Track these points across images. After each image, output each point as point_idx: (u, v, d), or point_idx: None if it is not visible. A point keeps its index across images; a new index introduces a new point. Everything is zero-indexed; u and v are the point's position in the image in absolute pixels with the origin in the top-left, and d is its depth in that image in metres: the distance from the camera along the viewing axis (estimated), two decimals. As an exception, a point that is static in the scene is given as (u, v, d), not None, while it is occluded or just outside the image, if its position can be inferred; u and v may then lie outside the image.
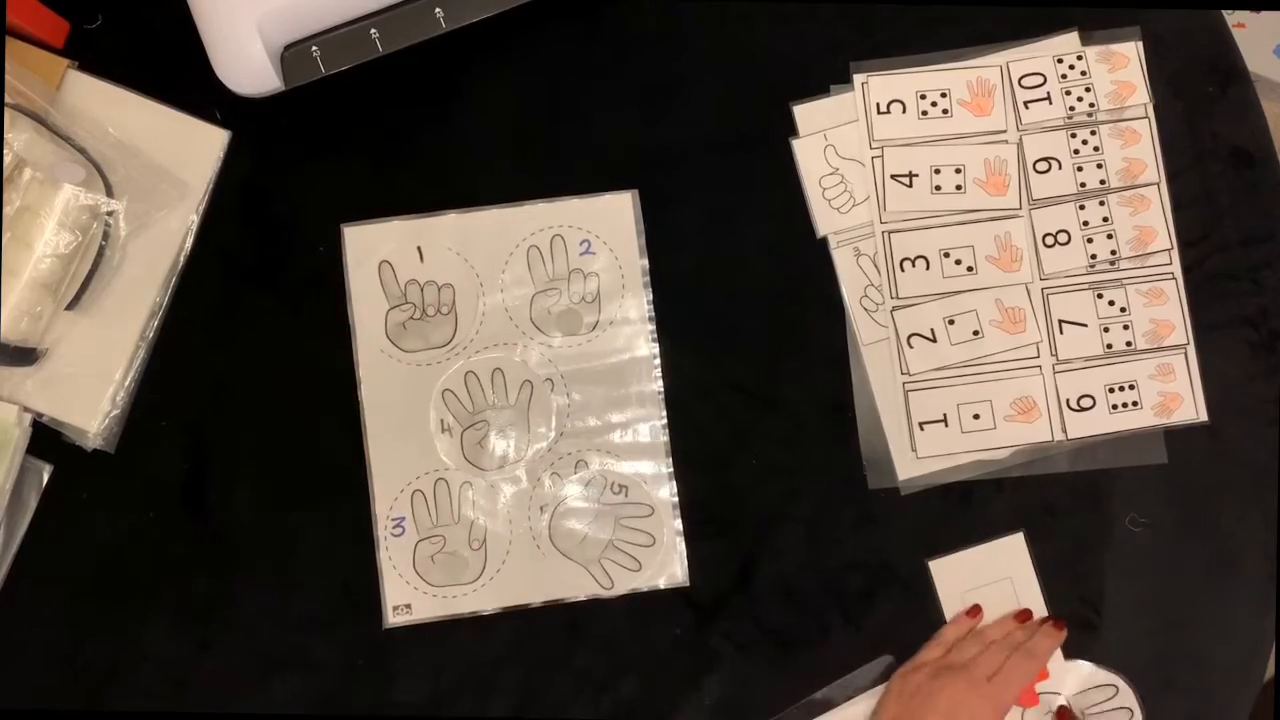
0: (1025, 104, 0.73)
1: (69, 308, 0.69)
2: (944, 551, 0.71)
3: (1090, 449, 0.71)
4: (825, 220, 0.72)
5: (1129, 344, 0.71)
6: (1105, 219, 0.72)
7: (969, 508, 0.71)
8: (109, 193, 0.69)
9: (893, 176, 0.72)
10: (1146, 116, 0.73)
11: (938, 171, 0.72)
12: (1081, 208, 0.72)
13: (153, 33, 0.72)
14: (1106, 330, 0.71)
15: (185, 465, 0.70)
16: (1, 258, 0.66)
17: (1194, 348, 0.71)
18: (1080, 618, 0.70)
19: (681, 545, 0.70)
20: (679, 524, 0.70)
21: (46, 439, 0.69)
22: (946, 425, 0.71)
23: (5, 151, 0.66)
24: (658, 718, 0.69)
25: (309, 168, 0.72)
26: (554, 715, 0.69)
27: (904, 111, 0.73)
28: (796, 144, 0.73)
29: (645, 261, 0.72)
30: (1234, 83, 0.74)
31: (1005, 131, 0.73)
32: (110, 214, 0.69)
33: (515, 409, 0.71)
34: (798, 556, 0.71)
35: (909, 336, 0.71)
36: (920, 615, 0.70)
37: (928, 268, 0.72)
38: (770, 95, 0.73)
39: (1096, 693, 0.69)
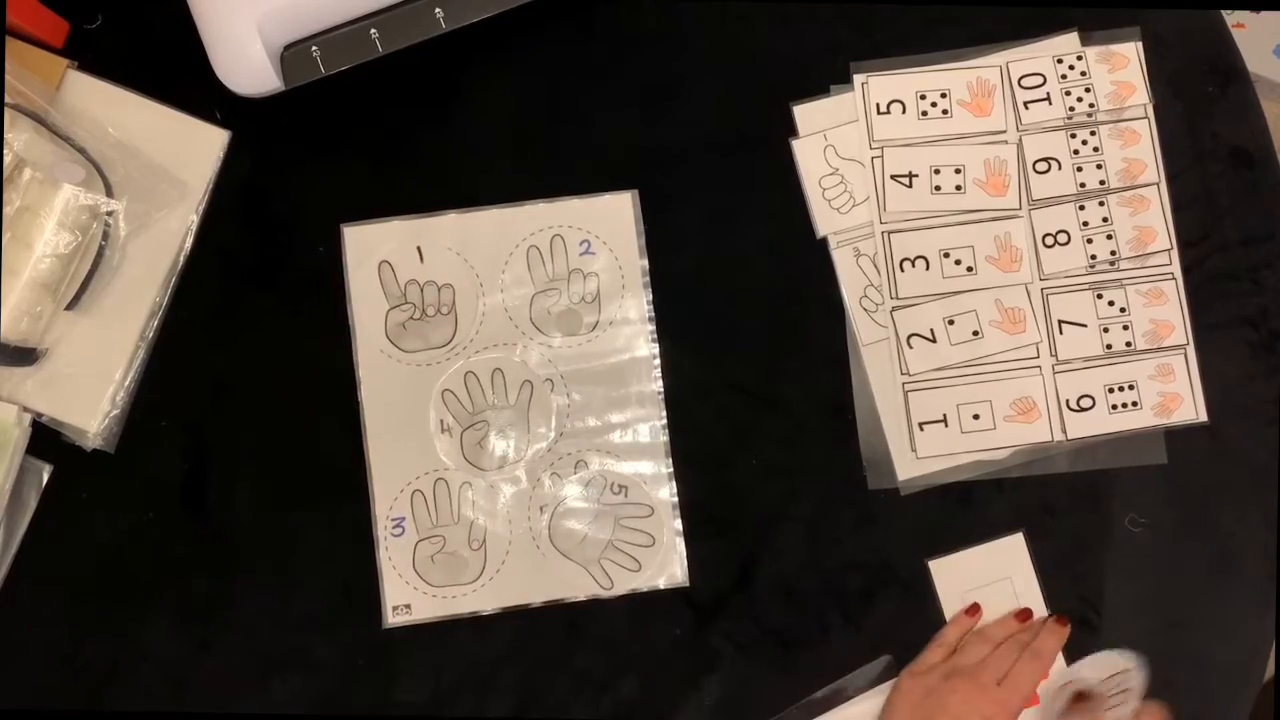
0: (1025, 104, 0.73)
1: (69, 308, 0.69)
2: (944, 551, 0.71)
3: (1090, 449, 0.71)
4: (825, 220, 0.72)
5: (1129, 344, 0.71)
6: (1105, 219, 0.72)
7: (969, 508, 0.71)
8: (109, 193, 0.69)
9: (892, 177, 0.72)
10: (1146, 117, 0.73)
11: (937, 172, 0.72)
12: (1081, 208, 0.72)
13: (152, 33, 0.72)
14: (1106, 330, 0.71)
15: (185, 465, 0.70)
16: (1, 258, 0.66)
17: (1194, 348, 0.71)
18: (1080, 618, 0.70)
19: (681, 545, 0.70)
20: (679, 524, 0.70)
21: (46, 439, 0.69)
22: (946, 425, 0.71)
23: (5, 151, 0.66)
24: (657, 718, 0.69)
25: (309, 168, 0.72)
26: (554, 715, 0.69)
27: (904, 112, 0.73)
28: (796, 144, 0.73)
29: (645, 262, 0.72)
30: (1234, 83, 0.74)
31: (1005, 132, 0.73)
32: (110, 214, 0.69)
33: (515, 409, 0.71)
34: (798, 557, 0.71)
35: (909, 337, 0.72)
36: (920, 615, 0.70)
37: (927, 268, 0.72)
38: (770, 95, 0.73)
39: (1110, 677, 0.69)
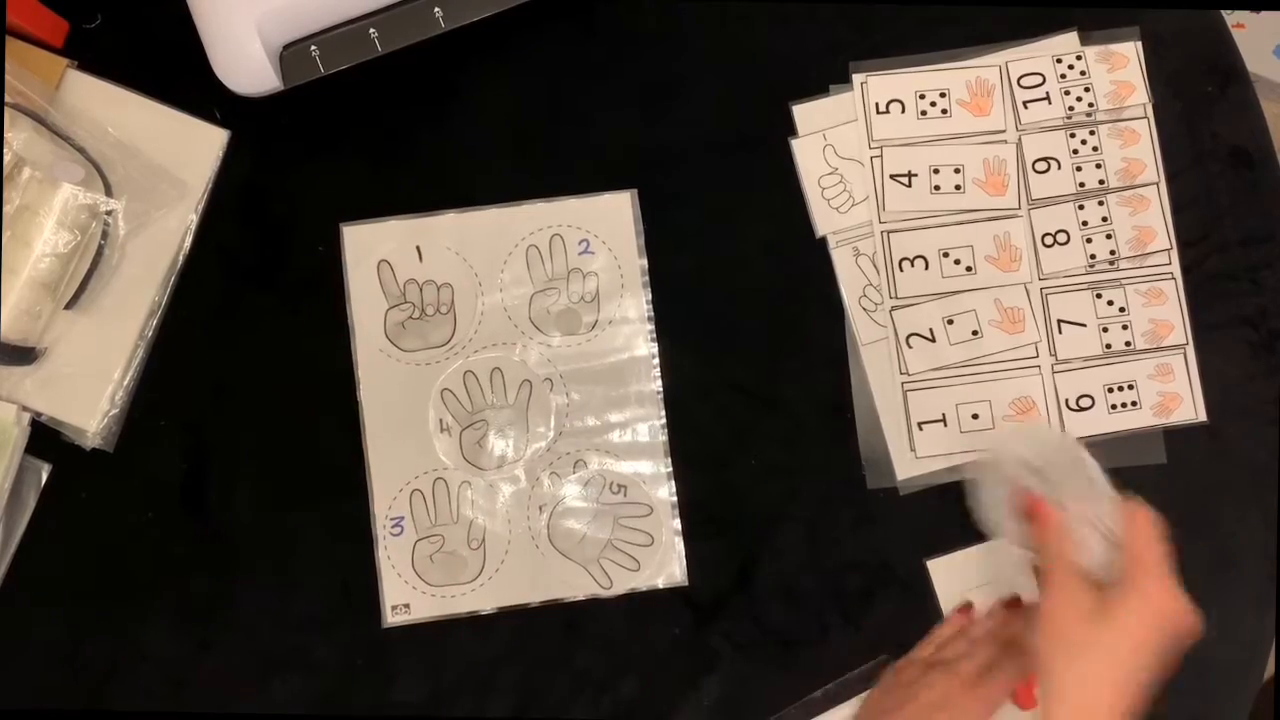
0: (1024, 104, 0.73)
1: (68, 307, 0.69)
2: (943, 551, 0.70)
3: (1089, 449, 0.71)
4: (824, 220, 0.72)
5: (1128, 344, 0.71)
6: (1104, 219, 0.72)
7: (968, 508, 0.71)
8: (108, 192, 0.69)
9: (892, 176, 0.72)
10: (1146, 116, 0.73)
11: (937, 171, 0.72)
12: (1080, 208, 0.72)
13: (152, 32, 0.72)
14: (1105, 330, 0.71)
15: (185, 465, 0.70)
16: (1, 257, 0.66)
17: (1193, 348, 0.71)
18: (1079, 618, 0.70)
19: (680, 545, 0.70)
20: (678, 524, 0.70)
21: (45, 438, 0.69)
22: (945, 425, 0.71)
23: (5, 151, 0.66)
24: (657, 718, 0.69)
25: (308, 167, 0.72)
26: (553, 715, 0.69)
27: (903, 111, 0.73)
28: (796, 144, 0.73)
29: (644, 261, 0.72)
30: (1233, 83, 0.74)
31: (1004, 131, 0.73)
32: (109, 213, 0.69)
33: (514, 408, 0.71)
34: (797, 556, 0.71)
35: (908, 336, 0.71)
36: (919, 615, 0.70)
37: (927, 268, 0.72)
38: (770, 95, 0.73)
39: None
